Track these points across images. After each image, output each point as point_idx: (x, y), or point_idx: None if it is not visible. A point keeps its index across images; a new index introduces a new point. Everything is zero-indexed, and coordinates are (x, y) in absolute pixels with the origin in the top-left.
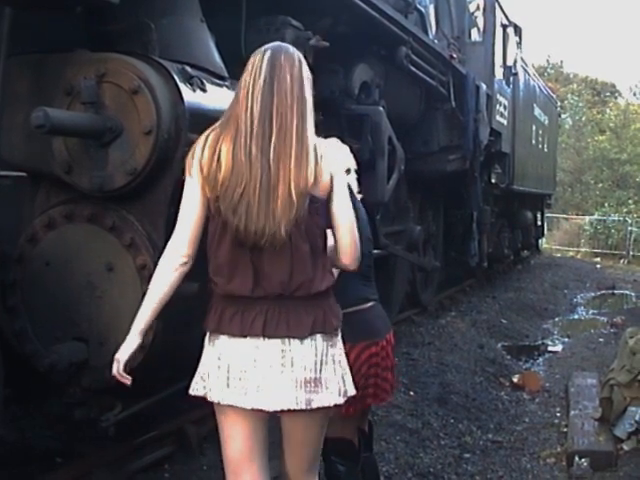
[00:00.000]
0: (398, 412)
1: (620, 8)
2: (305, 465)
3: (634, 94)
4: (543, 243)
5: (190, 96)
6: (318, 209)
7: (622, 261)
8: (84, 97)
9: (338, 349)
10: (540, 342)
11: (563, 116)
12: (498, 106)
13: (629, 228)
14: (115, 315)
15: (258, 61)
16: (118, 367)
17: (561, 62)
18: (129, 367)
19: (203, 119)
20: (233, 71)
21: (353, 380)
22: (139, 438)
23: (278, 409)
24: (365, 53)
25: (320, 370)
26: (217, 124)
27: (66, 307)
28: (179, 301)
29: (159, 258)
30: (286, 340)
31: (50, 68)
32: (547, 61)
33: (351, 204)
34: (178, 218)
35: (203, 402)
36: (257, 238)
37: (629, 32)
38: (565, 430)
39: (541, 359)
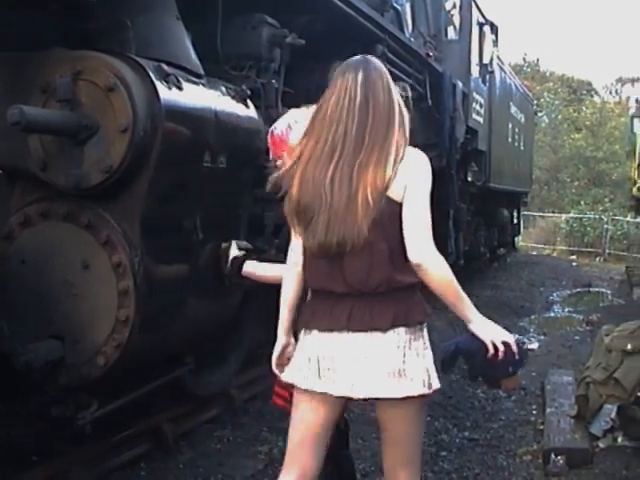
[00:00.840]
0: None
1: (596, 7)
2: (401, 459)
3: (610, 92)
4: (519, 241)
5: (166, 94)
6: (398, 213)
7: (598, 259)
8: (60, 95)
9: (422, 342)
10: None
11: (539, 114)
12: (474, 104)
13: (605, 226)
14: (91, 313)
15: (352, 81)
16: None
17: (537, 60)
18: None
19: (179, 117)
20: (209, 68)
21: None
22: (116, 436)
23: (363, 397)
24: (341, 51)
25: (403, 361)
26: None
27: (42, 305)
28: (157, 297)
29: (135, 255)
30: (369, 333)
31: (26, 66)
32: (523, 59)
33: (425, 209)
34: None
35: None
36: (339, 248)
37: (605, 31)
38: (541, 428)
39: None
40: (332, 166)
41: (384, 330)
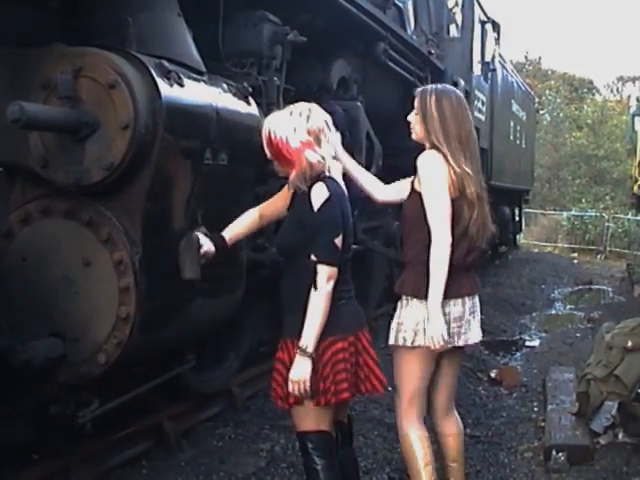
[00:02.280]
0: (376, 407)
1: (598, 6)
2: (451, 396)
3: (611, 91)
4: (521, 238)
5: (167, 91)
6: None
7: (599, 256)
8: (60, 91)
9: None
10: (518, 337)
11: (541, 112)
12: (476, 102)
13: (606, 224)
14: (92, 310)
15: (465, 107)
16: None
17: (539, 58)
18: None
19: (180, 114)
20: (210, 66)
21: (321, 374)
22: (116, 434)
23: (474, 342)
24: (343, 49)
25: (479, 314)
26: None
27: (42, 302)
28: (158, 295)
29: (136, 253)
30: (471, 296)
31: (26, 62)
32: (525, 57)
33: None
34: None
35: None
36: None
37: (606, 29)
38: (542, 424)
39: (519, 354)
40: (476, 177)
41: (476, 294)
